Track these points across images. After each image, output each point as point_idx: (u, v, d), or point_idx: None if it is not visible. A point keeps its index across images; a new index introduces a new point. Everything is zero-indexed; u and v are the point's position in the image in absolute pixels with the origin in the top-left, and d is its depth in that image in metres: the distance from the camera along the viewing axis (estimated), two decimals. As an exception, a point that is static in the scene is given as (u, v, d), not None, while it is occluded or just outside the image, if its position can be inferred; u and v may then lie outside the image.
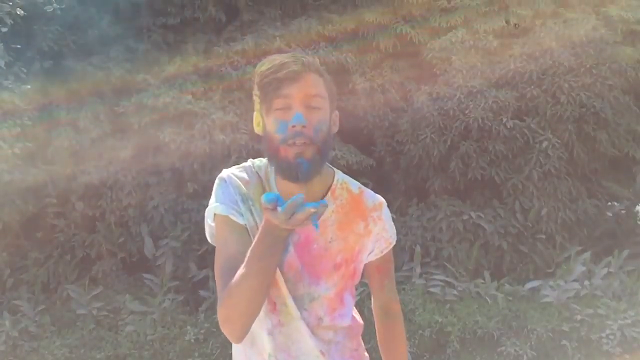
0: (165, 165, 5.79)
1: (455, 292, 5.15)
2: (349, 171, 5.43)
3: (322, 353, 1.65)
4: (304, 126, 1.48)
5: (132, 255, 5.76)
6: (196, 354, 4.84)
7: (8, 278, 5.64)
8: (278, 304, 1.61)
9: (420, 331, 4.79)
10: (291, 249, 1.59)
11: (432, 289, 5.16)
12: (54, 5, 6.25)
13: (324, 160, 1.54)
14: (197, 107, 5.76)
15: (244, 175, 1.63)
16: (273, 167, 1.59)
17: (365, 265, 1.73)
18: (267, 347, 1.63)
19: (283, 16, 6.84)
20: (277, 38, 6.18)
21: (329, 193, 1.63)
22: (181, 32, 6.77)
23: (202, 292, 5.31)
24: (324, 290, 1.63)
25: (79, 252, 5.72)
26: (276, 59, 1.52)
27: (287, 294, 1.59)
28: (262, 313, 1.58)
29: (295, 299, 1.60)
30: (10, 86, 5.56)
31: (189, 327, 4.95)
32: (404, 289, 5.15)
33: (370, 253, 1.70)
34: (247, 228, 1.56)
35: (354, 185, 1.69)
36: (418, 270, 5.33)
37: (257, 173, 1.64)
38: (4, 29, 5.82)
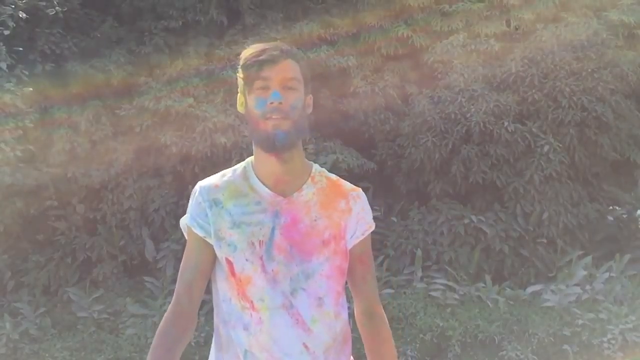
0: (167, 167, 5.80)
1: (456, 296, 5.14)
2: (350, 175, 5.43)
3: (306, 346, 1.67)
4: (280, 103, 1.62)
5: (133, 258, 5.76)
6: (197, 357, 4.83)
7: (9, 280, 5.64)
8: (255, 300, 1.67)
9: (422, 335, 4.78)
10: (277, 232, 1.68)
11: (433, 293, 5.15)
12: (56, 8, 6.26)
13: (298, 134, 1.67)
14: (198, 110, 5.77)
15: (214, 180, 1.75)
16: (254, 146, 1.71)
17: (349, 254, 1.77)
18: (244, 343, 1.69)
19: (285, 19, 6.84)
20: (279, 41, 6.17)
21: (309, 179, 1.76)
22: (183, 35, 6.78)
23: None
24: (317, 265, 1.69)
25: (79, 255, 5.72)
26: (259, 46, 1.70)
27: (264, 286, 1.66)
28: (237, 310, 1.69)
29: (292, 279, 1.67)
30: (12, 88, 5.56)
31: (189, 330, 4.94)
32: (404, 292, 5.15)
33: (352, 235, 1.76)
34: (205, 240, 1.71)
35: (331, 175, 1.84)
36: (419, 274, 5.32)
37: (230, 174, 1.75)
38: (6, 32, 5.82)
